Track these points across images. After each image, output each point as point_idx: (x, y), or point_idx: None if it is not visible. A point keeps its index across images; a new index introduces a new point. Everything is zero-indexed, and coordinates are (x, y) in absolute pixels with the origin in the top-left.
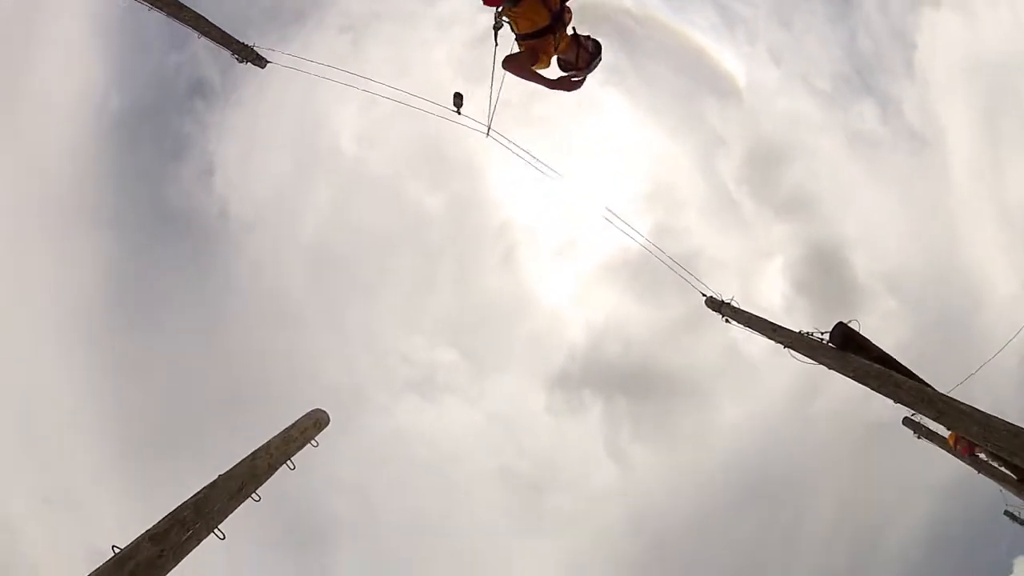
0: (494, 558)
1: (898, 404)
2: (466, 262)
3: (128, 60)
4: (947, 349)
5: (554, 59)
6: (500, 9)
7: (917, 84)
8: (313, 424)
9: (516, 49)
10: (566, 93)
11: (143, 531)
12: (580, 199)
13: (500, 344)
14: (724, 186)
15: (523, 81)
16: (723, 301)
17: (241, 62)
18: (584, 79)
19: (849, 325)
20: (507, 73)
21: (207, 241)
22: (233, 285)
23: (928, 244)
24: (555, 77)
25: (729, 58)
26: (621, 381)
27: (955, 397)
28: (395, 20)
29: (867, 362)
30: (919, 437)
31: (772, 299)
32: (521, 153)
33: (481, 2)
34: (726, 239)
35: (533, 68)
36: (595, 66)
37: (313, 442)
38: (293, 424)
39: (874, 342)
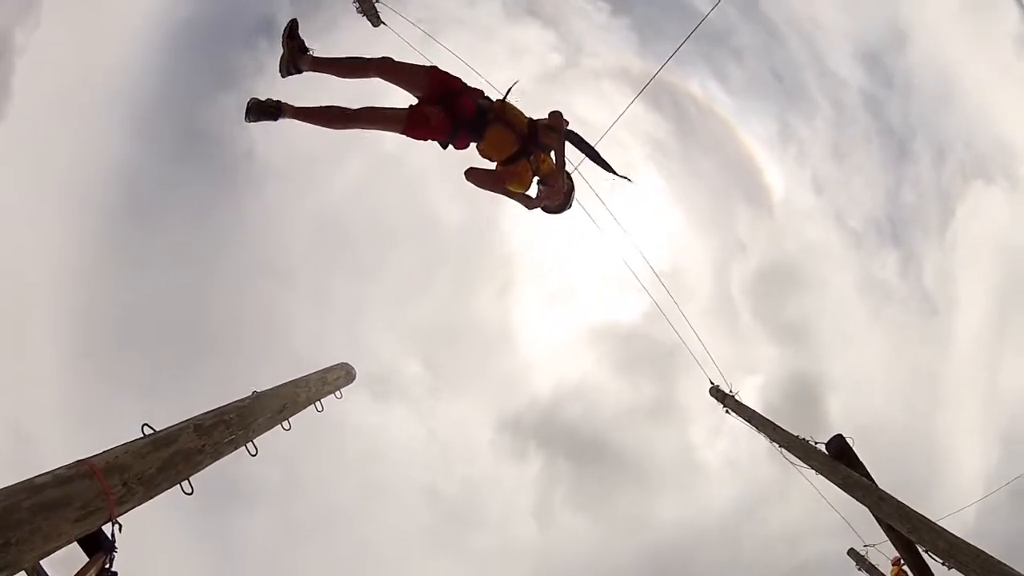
0: (391, 566)
1: (876, 516)
2: (462, 280)
3: None
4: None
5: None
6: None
7: (945, 250)
8: (344, 375)
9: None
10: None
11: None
12: (603, 250)
13: (466, 369)
14: (730, 291)
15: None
16: (727, 393)
17: (358, 12)
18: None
19: (846, 439)
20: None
21: (228, 174)
22: (238, 226)
23: (908, 407)
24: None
25: (774, 172)
26: (571, 444)
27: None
28: (471, 30)
29: (856, 474)
30: (859, 569)
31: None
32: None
33: (442, 148)
34: (714, 341)
35: (504, 187)
36: (565, 208)
37: (338, 393)
38: (329, 368)
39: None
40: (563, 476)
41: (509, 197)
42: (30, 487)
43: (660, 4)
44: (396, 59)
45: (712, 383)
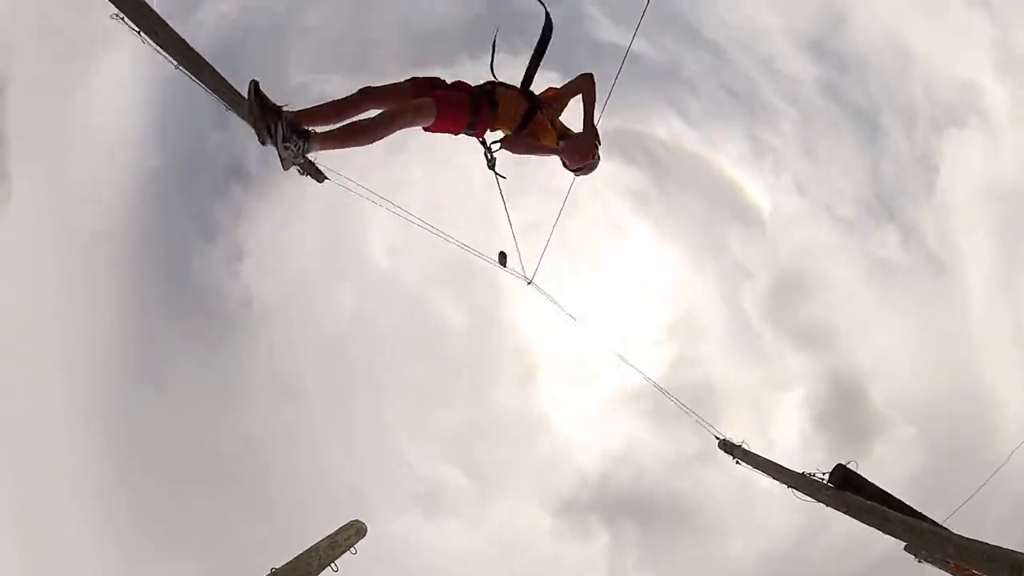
0: None
1: (886, 535)
2: (482, 380)
3: (172, 129)
4: (963, 471)
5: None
6: (485, 139)
7: (937, 208)
8: (355, 532)
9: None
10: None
11: None
12: (597, 341)
13: (508, 465)
14: (746, 317)
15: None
16: (735, 444)
17: (302, 174)
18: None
19: (848, 466)
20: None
21: (227, 325)
22: (248, 372)
23: (945, 369)
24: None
25: (755, 188)
26: (631, 509)
27: (963, 516)
28: (421, 141)
29: (860, 499)
30: (919, 561)
31: (789, 433)
32: (558, 302)
33: (465, 136)
34: (746, 371)
35: (538, 143)
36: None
37: (352, 549)
38: (338, 531)
39: (873, 480)
40: (631, 541)
41: (546, 153)
42: None
43: (602, 58)
44: (374, 85)
45: (718, 438)
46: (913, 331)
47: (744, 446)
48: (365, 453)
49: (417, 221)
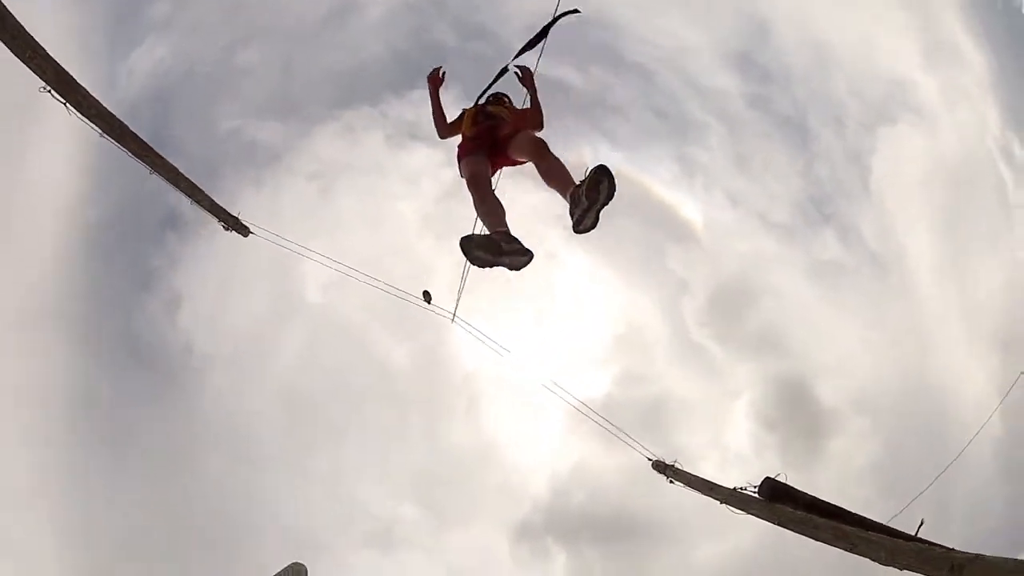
0: None
1: (817, 542)
2: (429, 414)
3: (107, 182)
4: (923, 458)
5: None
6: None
7: (875, 207)
8: (293, 574)
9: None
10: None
11: None
12: (530, 373)
13: (462, 496)
14: (688, 330)
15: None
16: (667, 464)
17: (227, 230)
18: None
19: (776, 479)
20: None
21: (169, 373)
22: (193, 419)
23: (896, 363)
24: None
25: (688, 205)
26: (586, 528)
27: (917, 508)
28: (364, 171)
29: (789, 509)
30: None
31: (741, 438)
32: (483, 339)
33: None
34: (693, 382)
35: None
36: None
37: None
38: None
39: (802, 490)
40: (592, 560)
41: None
42: None
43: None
44: (476, 172)
45: (650, 459)
46: (860, 329)
47: (676, 465)
48: (317, 495)
49: (338, 266)
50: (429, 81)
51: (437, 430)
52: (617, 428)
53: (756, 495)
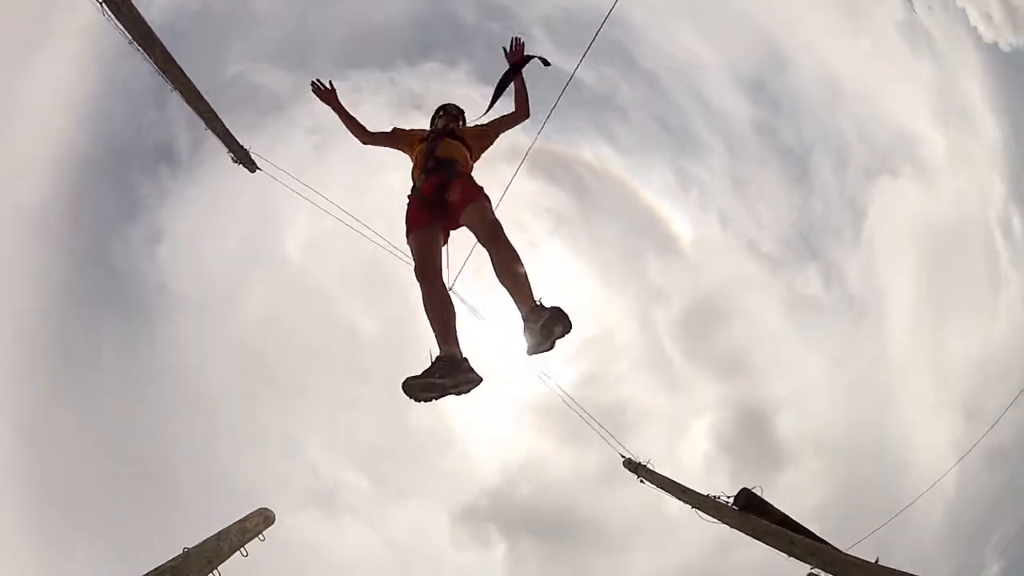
0: None
1: (791, 558)
2: (390, 386)
3: (107, 103)
4: (868, 508)
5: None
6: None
7: (862, 252)
8: (263, 520)
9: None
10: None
11: None
12: (512, 353)
13: (410, 471)
14: (659, 341)
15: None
16: (640, 463)
17: (235, 162)
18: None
19: (752, 491)
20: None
21: (140, 307)
22: (157, 357)
23: (858, 410)
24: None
25: (678, 218)
26: (530, 522)
27: (866, 549)
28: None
29: (765, 522)
30: None
31: (695, 456)
32: (476, 310)
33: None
34: (655, 393)
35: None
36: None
37: (261, 536)
38: (246, 517)
39: (777, 506)
40: (531, 554)
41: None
42: None
43: (541, 80)
44: (425, 266)
45: (623, 457)
46: (828, 369)
47: (649, 465)
48: (266, 448)
49: (343, 214)
50: (321, 98)
51: (395, 403)
52: (598, 423)
53: (731, 504)
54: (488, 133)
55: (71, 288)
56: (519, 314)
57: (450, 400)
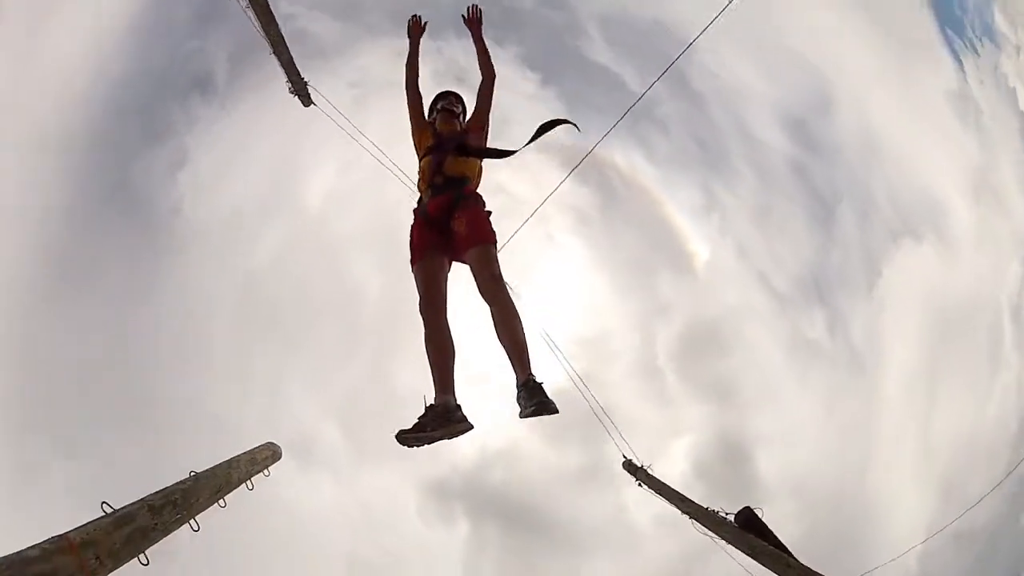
0: None
1: None
2: (384, 350)
3: (147, 30)
4: (833, 562)
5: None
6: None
7: (872, 309)
8: (271, 454)
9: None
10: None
11: (140, 496)
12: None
13: (389, 437)
14: (655, 354)
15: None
16: (639, 466)
17: (291, 93)
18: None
19: (754, 510)
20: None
21: (153, 228)
22: (161, 281)
23: (840, 461)
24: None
25: (697, 238)
26: (498, 509)
27: None
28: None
29: (763, 543)
30: None
31: (671, 475)
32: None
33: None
34: (642, 405)
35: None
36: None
37: (266, 472)
38: (256, 448)
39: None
40: (493, 539)
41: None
42: (23, 559)
43: (588, 78)
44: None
45: (625, 457)
46: (817, 416)
47: (648, 470)
48: (252, 390)
49: (387, 160)
50: (411, 31)
51: (385, 366)
52: (608, 419)
53: (731, 520)
54: (484, 120)
55: (84, 195)
56: (515, 373)
57: None
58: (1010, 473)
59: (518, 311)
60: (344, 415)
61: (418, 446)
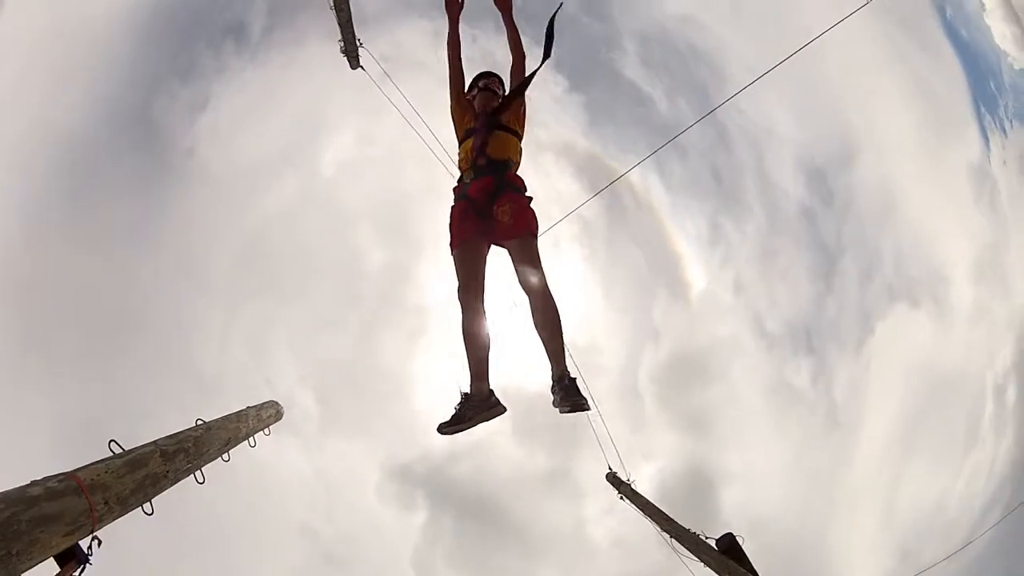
0: None
1: None
2: (372, 322)
3: None
4: None
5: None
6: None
7: (859, 367)
8: (275, 413)
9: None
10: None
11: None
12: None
13: (361, 410)
14: (636, 376)
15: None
16: (623, 481)
17: (341, 52)
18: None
19: (736, 537)
20: None
21: (164, 165)
22: (164, 219)
23: (803, 509)
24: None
25: (697, 267)
26: (459, 501)
27: None
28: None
29: (743, 569)
30: None
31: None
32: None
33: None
34: (615, 424)
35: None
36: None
37: (266, 431)
38: (261, 405)
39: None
40: (447, 531)
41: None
42: (26, 498)
43: (616, 91)
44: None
45: (610, 468)
46: (787, 462)
47: (632, 485)
48: (236, 343)
49: (427, 135)
50: (449, 5)
51: (371, 339)
52: (607, 429)
53: (712, 544)
54: (521, 100)
55: (103, 122)
56: (551, 368)
57: (426, 356)
58: (964, 547)
59: (558, 306)
60: (322, 383)
61: (455, 433)
